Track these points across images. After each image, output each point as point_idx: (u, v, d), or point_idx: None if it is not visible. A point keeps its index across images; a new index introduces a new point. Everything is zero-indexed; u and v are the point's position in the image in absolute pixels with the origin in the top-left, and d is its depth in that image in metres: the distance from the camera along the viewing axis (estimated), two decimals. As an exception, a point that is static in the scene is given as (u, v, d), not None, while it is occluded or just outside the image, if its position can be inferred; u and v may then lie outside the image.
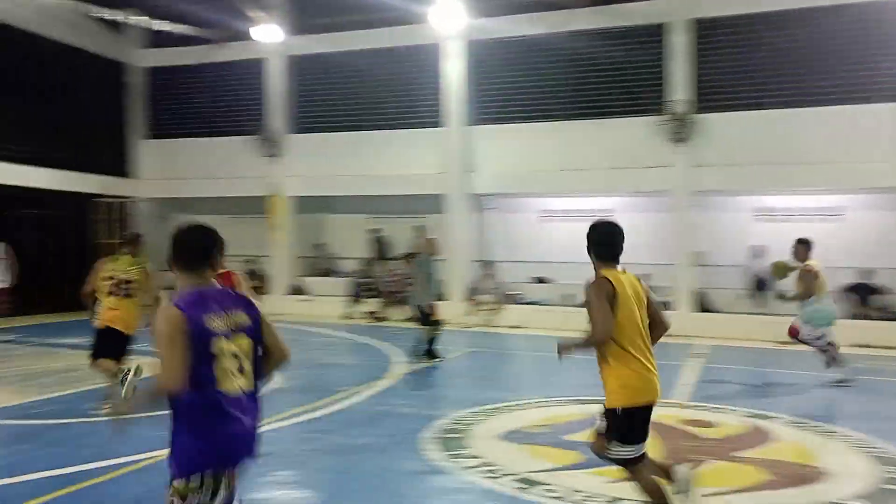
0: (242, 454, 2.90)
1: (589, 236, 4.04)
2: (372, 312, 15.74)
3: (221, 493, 2.82)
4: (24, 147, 15.53)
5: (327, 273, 17.75)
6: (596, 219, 4.20)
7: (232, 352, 2.83)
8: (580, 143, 14.92)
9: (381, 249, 17.09)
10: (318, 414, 6.91)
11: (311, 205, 17.83)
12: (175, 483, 2.76)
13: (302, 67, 17.24)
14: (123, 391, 6.63)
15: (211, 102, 18.17)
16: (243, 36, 17.08)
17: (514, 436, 6.18)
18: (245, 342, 2.89)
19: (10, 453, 5.47)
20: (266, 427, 6.23)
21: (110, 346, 6.90)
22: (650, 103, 14.36)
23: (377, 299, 15.91)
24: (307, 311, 16.64)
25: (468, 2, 14.54)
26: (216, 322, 2.82)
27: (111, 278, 7.03)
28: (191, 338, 2.72)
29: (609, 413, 3.83)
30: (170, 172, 18.56)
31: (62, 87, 16.56)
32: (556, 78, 15.24)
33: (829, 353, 8.59)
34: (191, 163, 18.23)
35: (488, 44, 15.49)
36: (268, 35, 16.39)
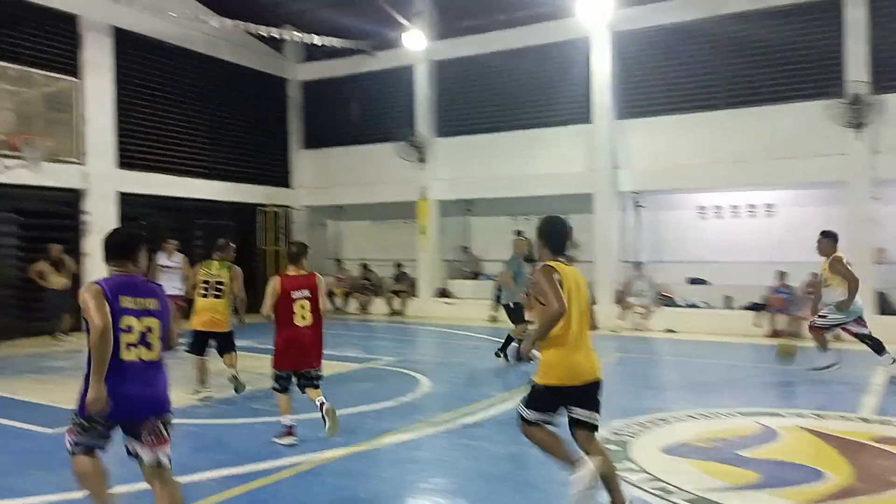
0: (138, 410, 3.61)
1: (541, 229, 4.49)
2: (518, 315, 15.54)
3: (109, 437, 3.66)
4: (197, 161, 16.87)
5: (473, 276, 17.79)
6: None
7: (139, 329, 3.63)
8: (736, 134, 13.94)
9: (528, 251, 16.85)
10: (469, 420, 6.82)
11: (455, 208, 17.97)
12: (75, 418, 3.62)
13: (446, 71, 17.40)
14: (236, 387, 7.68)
15: (361, 111, 18.80)
16: (391, 44, 17.56)
17: (679, 449, 5.75)
18: (154, 323, 3.69)
19: (179, 454, 5.76)
20: (419, 433, 6.30)
21: (206, 344, 7.81)
22: (818, 86, 13.15)
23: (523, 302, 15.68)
24: (453, 315, 16.76)
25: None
26: (128, 303, 3.62)
27: (205, 281, 7.80)
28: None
29: (532, 385, 4.30)
30: (323, 180, 19.42)
31: (230, 104, 17.81)
32: (709, 65, 14.34)
33: (815, 332, 8.80)
34: (342, 170, 18.96)
35: (635, 34, 14.84)
36: (414, 42, 16.71)
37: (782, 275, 13.24)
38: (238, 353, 8.02)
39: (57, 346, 12.19)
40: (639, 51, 14.95)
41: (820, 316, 8.77)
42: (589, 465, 4.01)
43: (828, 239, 8.69)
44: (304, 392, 6.10)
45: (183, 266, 11.96)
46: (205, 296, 7.78)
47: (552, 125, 15.93)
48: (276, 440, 5.93)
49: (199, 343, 7.80)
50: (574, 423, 4.21)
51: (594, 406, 4.21)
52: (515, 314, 10.17)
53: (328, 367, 9.80)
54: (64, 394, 7.95)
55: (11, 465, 5.43)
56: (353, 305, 18.07)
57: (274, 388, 6.09)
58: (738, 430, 6.28)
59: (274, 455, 5.60)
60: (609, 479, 4.15)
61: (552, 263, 4.23)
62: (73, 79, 12.77)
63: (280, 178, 19.34)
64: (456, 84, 17.37)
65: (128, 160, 15.10)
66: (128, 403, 3.55)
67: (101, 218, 14.27)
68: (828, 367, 8.74)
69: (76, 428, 3.62)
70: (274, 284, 6.08)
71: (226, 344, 7.88)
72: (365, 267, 18.53)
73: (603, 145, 15.12)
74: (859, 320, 8.66)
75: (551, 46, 15.87)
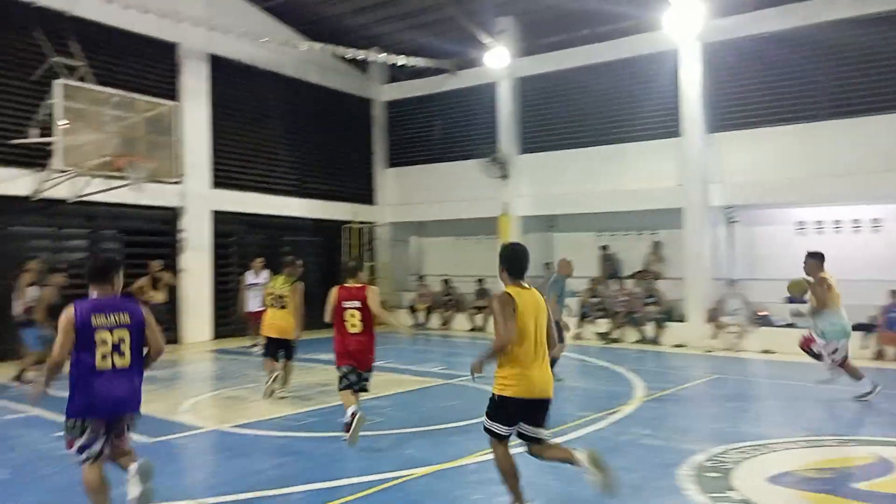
0: (112, 410, 4.29)
1: (501, 255, 4.79)
2: (604, 333, 15.18)
3: (101, 435, 4.29)
4: (285, 180, 17.39)
5: (556, 293, 17.47)
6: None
7: (112, 341, 4.27)
8: (837, 146, 13.22)
9: (612, 267, 16.50)
10: (558, 441, 6.61)
11: (538, 224, 17.78)
12: (67, 422, 4.28)
13: (529, 88, 17.32)
14: (266, 389, 8.45)
15: (443, 129, 18.95)
16: (473, 63, 17.66)
17: (786, 479, 5.39)
18: (125, 334, 4.32)
19: (273, 466, 5.85)
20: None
21: (276, 349, 8.65)
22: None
23: (608, 319, 15.32)
24: (537, 332, 16.53)
25: (704, 3, 13.57)
26: (101, 320, 4.27)
27: (271, 294, 8.78)
28: (76, 330, 4.21)
29: (491, 396, 4.65)
30: (406, 197, 19.65)
31: (317, 124, 18.33)
32: (807, 75, 13.68)
33: (842, 368, 8.46)
34: (425, 187, 19.13)
35: (728, 44, 14.33)
36: (497, 60, 16.71)
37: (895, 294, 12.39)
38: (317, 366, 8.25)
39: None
40: (732, 61, 14.44)
41: (831, 353, 8.51)
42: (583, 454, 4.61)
43: (813, 259, 8.65)
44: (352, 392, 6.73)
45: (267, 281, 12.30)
46: (272, 306, 8.72)
47: (638, 140, 15.57)
48: (344, 433, 6.37)
49: (269, 348, 8.70)
50: (523, 437, 4.71)
51: (541, 422, 4.69)
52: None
53: (413, 383, 9.84)
54: (161, 404, 8.26)
55: (116, 475, 5.62)
56: (435, 321, 18.10)
57: (341, 388, 6.77)
58: (850, 460, 5.85)
59: (360, 472, 5.59)
60: (568, 459, 4.69)
61: (509, 290, 4.59)
62: (173, 103, 13.38)
63: (364, 195, 19.69)
64: (539, 100, 17.25)
65: (221, 180, 15.71)
66: (103, 404, 4.26)
67: (196, 235, 14.91)
68: (870, 392, 8.42)
69: (71, 433, 4.26)
70: (331, 295, 6.84)
71: (288, 351, 8.76)
72: (446, 283, 18.55)
73: (693, 159, 14.62)
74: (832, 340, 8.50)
75: (637, 60, 15.55)
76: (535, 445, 4.73)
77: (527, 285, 4.66)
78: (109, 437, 4.30)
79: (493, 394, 4.64)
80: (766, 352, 13.31)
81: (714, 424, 7.49)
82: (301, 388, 8.79)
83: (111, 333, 4.27)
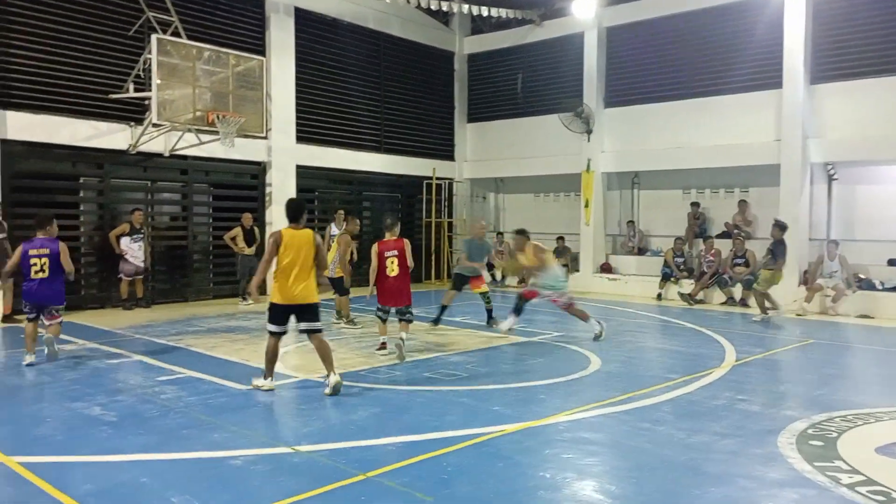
0: (41, 301, 7.87)
1: (286, 206, 6.88)
2: (688, 294, 14.76)
3: (42, 319, 7.97)
4: (366, 135, 17.46)
5: (638, 251, 17.10)
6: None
7: (39, 263, 7.78)
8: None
9: (700, 226, 15.94)
10: (645, 403, 6.49)
11: (621, 181, 17.34)
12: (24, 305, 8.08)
13: (617, 38, 16.71)
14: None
15: (525, 82, 18.55)
16: (559, 13, 17.12)
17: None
18: (45, 259, 7.80)
19: (363, 417, 5.95)
20: (595, 412, 6.09)
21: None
22: None
23: (693, 280, 14.87)
24: (617, 291, 16.27)
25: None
26: (34, 250, 7.83)
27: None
28: (21, 255, 7.83)
29: (269, 304, 6.70)
30: (485, 153, 19.46)
31: (398, 78, 18.26)
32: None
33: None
34: (505, 143, 18.88)
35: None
36: (584, 9, 16.09)
37: None
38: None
39: (245, 306, 13.17)
40: (839, 6, 13.46)
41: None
42: (332, 378, 6.60)
43: (521, 235, 10.29)
44: (400, 322, 8.52)
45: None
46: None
47: (733, 92, 14.85)
48: (376, 351, 8.59)
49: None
50: (304, 332, 6.77)
51: (309, 320, 6.67)
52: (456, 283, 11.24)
53: (494, 339, 9.85)
54: (251, 353, 8.55)
55: (210, 419, 5.86)
56: (513, 279, 18.01)
57: (377, 316, 8.70)
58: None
59: (449, 426, 5.63)
60: (325, 357, 6.69)
61: (283, 230, 6.67)
62: (261, 57, 13.54)
63: (444, 151, 19.60)
64: (627, 51, 16.63)
65: (304, 134, 15.91)
66: (34, 297, 7.84)
67: (280, 189, 15.21)
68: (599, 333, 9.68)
69: (25, 307, 8.00)
70: (374, 248, 8.49)
71: (339, 290, 10.65)
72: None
73: (794, 112, 13.82)
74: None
75: (734, 7, 14.72)
76: (312, 338, 6.71)
77: (298, 227, 6.69)
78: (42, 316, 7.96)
79: (270, 302, 6.66)
80: (863, 316, 12.70)
81: (813, 391, 7.18)
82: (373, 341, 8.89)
83: (39, 259, 7.79)
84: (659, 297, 15.36)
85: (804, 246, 13.89)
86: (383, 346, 8.60)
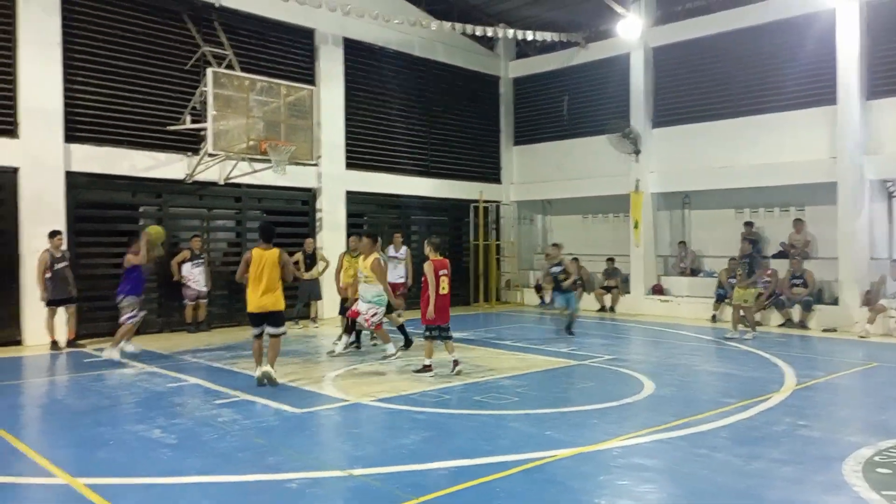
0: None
1: (259, 227, 8.46)
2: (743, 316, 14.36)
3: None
4: (414, 160, 17.68)
5: (690, 273, 16.79)
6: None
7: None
8: None
9: (754, 246, 15.55)
10: (701, 428, 6.35)
11: (671, 201, 17.11)
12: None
13: (663, 58, 16.61)
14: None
15: (571, 104, 18.55)
16: (604, 34, 17.13)
17: (970, 482, 4.89)
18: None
19: (415, 441, 5.97)
20: (649, 438, 5.99)
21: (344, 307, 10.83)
22: None
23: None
24: (669, 313, 15.99)
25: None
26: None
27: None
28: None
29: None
30: (532, 176, 19.46)
31: (444, 103, 18.49)
32: None
33: None
34: (552, 165, 18.87)
35: (888, 3, 13.07)
36: (629, 30, 16.07)
37: None
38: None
39: (302, 330, 13.37)
40: (895, 21, 13.14)
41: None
42: (260, 368, 8.10)
43: (370, 239, 9.64)
44: (444, 342, 8.81)
45: (406, 258, 12.57)
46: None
47: (784, 109, 14.58)
48: (416, 372, 8.70)
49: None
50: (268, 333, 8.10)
51: (272, 324, 8.06)
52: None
53: (543, 363, 9.78)
54: (307, 377, 8.68)
55: (265, 442, 5.96)
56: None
57: (428, 337, 8.81)
58: None
59: (501, 451, 5.61)
60: (272, 354, 8.08)
61: (253, 250, 8.01)
62: (311, 87, 13.89)
63: (491, 174, 19.68)
64: (674, 71, 16.50)
65: (353, 160, 16.19)
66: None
67: (331, 214, 15.47)
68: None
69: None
70: (430, 267, 8.71)
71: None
72: (575, 261, 18.21)
73: (849, 129, 13.49)
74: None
75: (782, 24, 14.51)
76: (272, 339, 8.07)
77: (268, 247, 7.99)
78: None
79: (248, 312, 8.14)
80: (932, 339, 12.19)
81: (878, 416, 6.92)
82: (437, 365, 8.91)
83: None
84: (713, 318, 15.03)
85: (865, 265, 13.45)
86: (429, 368, 8.72)
